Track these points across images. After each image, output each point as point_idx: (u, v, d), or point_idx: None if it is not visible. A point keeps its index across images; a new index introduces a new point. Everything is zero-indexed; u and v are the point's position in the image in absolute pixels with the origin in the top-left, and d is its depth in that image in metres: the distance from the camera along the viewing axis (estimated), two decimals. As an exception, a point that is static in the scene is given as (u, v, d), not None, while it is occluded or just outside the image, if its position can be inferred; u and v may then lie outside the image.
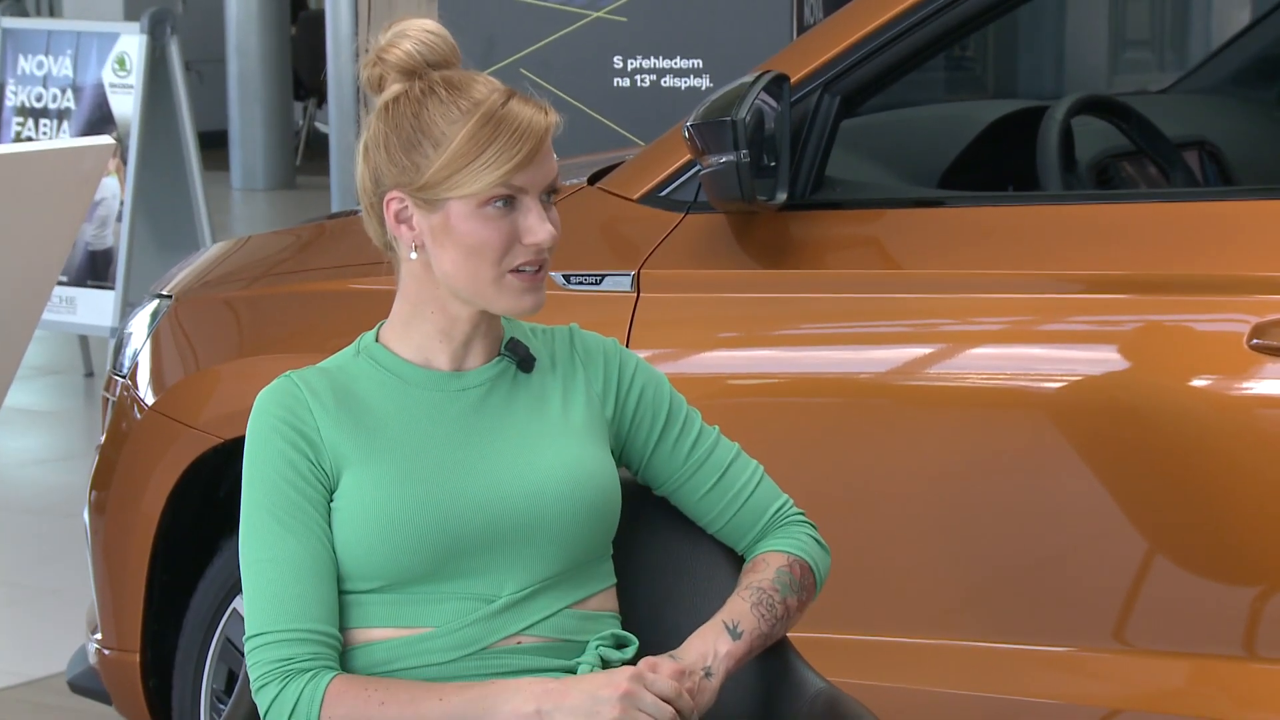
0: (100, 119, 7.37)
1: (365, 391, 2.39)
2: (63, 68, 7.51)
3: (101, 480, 3.73)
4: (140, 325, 3.77)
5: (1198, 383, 2.90)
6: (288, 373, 2.39)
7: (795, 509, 2.53)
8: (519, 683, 2.27)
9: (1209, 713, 2.92)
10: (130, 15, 11.02)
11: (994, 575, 3.05)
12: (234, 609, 3.53)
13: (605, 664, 2.37)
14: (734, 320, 3.19)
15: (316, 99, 14.91)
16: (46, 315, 4.82)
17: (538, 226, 2.33)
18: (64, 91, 7.51)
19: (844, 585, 2.79)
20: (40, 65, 7.57)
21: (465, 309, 2.38)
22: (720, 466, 2.50)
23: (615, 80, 5.38)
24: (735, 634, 2.39)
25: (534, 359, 2.44)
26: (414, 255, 2.37)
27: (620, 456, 2.49)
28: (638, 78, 5.37)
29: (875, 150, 3.57)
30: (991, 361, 3.02)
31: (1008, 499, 3.02)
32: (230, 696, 3.50)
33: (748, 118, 3.02)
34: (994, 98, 9.36)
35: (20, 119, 7.62)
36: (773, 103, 3.09)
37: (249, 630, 2.31)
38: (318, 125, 14.76)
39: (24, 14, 14.46)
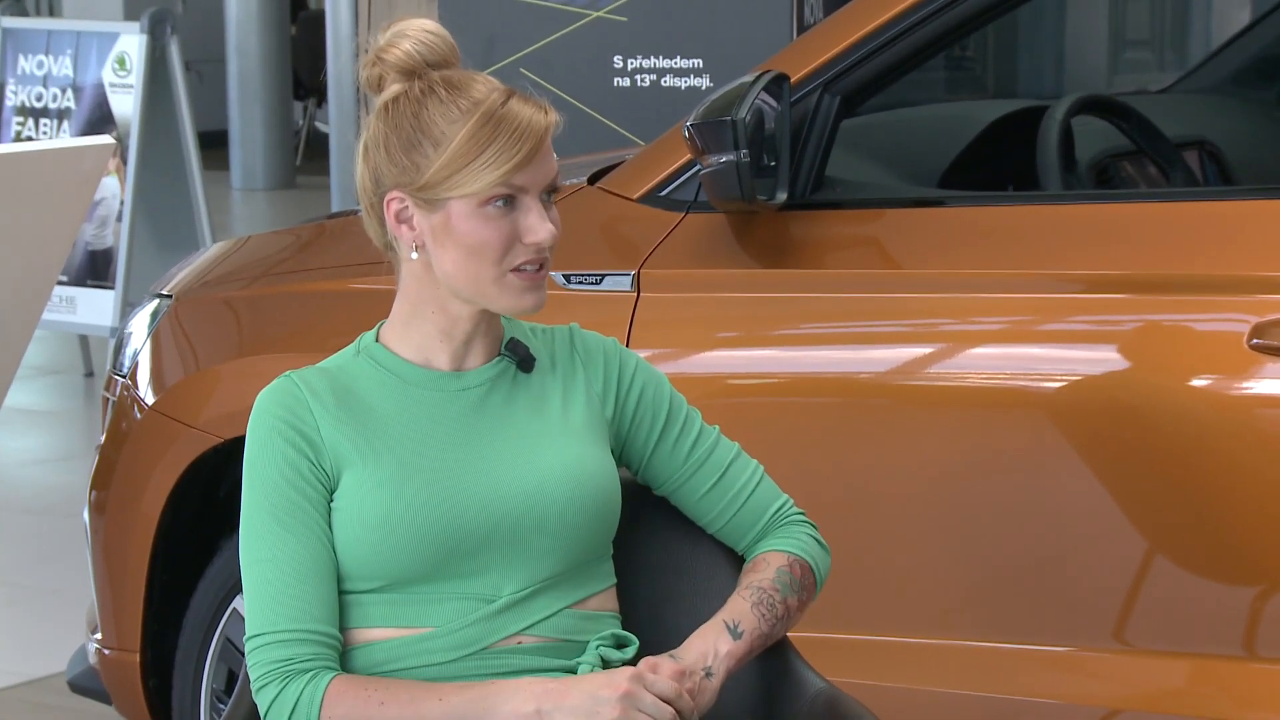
0: (100, 119, 7.37)
1: (365, 391, 2.39)
2: (63, 67, 7.51)
3: (101, 480, 3.73)
4: (140, 325, 3.77)
5: (1198, 383, 2.90)
6: (288, 373, 2.39)
7: (795, 509, 2.53)
8: (519, 683, 2.27)
9: (1209, 713, 2.92)
10: (130, 15, 11.03)
11: (994, 575, 3.05)
12: (234, 609, 3.53)
13: (605, 664, 2.37)
14: (734, 320, 3.19)
15: (316, 99, 14.91)
16: (46, 315, 4.82)
17: (538, 226, 2.33)
18: (64, 91, 7.51)
19: (844, 585, 2.79)
20: (40, 65, 7.57)
21: (466, 309, 2.38)
22: (720, 466, 2.50)
23: (615, 80, 5.38)
24: (736, 634, 2.39)
25: (534, 359, 2.44)
26: (414, 255, 2.37)
27: (620, 456, 2.49)
28: (638, 78, 5.37)
29: (875, 150, 3.57)
30: (991, 361, 3.02)
31: (1008, 499, 3.02)
32: (230, 696, 3.50)
33: (748, 117, 3.02)
34: (994, 98, 9.36)
35: (20, 119, 7.63)
36: (773, 102, 3.09)
37: (249, 630, 2.31)
38: (318, 125, 14.76)
39: (24, 14, 14.46)
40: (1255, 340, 2.85)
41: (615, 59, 5.38)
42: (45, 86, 7.56)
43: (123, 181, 7.26)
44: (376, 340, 2.44)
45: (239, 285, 3.70)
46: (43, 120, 7.56)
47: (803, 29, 5.19)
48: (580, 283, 3.25)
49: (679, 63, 5.33)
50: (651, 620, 2.51)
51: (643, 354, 2.64)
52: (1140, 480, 2.93)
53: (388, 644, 2.34)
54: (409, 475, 2.34)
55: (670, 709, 2.26)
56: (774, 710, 2.49)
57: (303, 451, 2.34)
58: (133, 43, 7.33)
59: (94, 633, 3.78)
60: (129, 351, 3.76)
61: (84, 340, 7.97)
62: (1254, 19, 5.19)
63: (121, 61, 7.34)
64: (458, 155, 2.30)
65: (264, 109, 13.71)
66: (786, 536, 2.50)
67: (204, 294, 3.71)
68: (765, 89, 3.08)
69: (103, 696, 3.84)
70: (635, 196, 3.29)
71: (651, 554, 2.55)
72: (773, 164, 3.10)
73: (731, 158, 3.02)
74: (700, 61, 5.31)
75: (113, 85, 7.37)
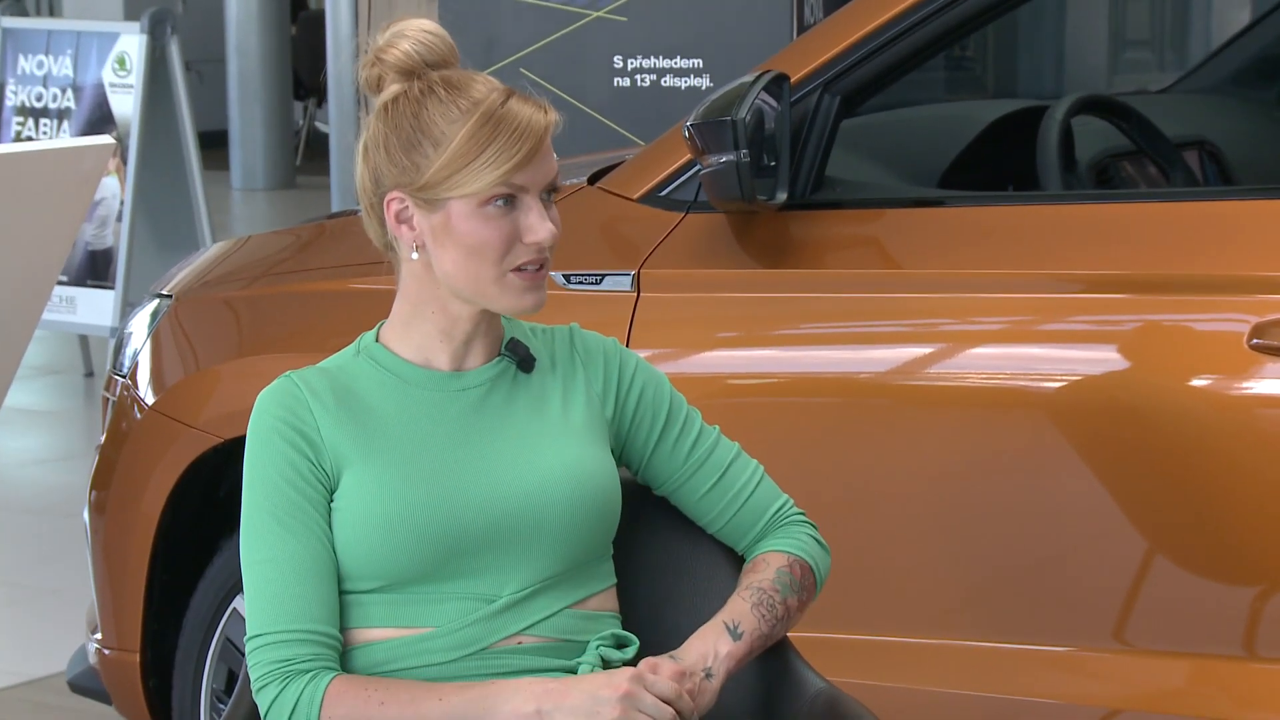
0: (100, 119, 7.37)
1: (365, 391, 2.39)
2: (63, 67, 7.51)
3: (101, 480, 3.73)
4: (140, 325, 3.77)
5: (1198, 383, 2.90)
6: (288, 373, 2.39)
7: (795, 509, 2.53)
8: (519, 683, 2.27)
9: (1209, 713, 2.92)
10: (130, 15, 11.03)
11: (994, 575, 3.05)
12: (234, 609, 3.53)
13: (606, 664, 2.37)
14: (734, 320, 3.19)
15: (316, 99, 14.91)
16: (46, 315, 4.81)
17: (538, 225, 2.33)
18: (64, 91, 7.51)
19: (844, 585, 2.79)
20: (40, 65, 7.57)
21: (466, 309, 2.38)
22: (720, 466, 2.50)
23: (615, 80, 5.38)
24: (736, 635, 2.39)
25: (534, 359, 2.44)
26: (415, 255, 2.36)
27: (620, 456, 2.49)
28: (638, 78, 5.37)
29: (875, 150, 3.57)
30: (991, 361, 3.02)
31: (1008, 499, 3.02)
32: (230, 696, 3.50)
33: (748, 117, 3.02)
34: (994, 98, 9.36)
35: (20, 119, 7.63)
36: (773, 102, 3.09)
37: (250, 630, 2.31)
38: (318, 125, 14.76)
39: (24, 14, 14.46)
40: (1255, 340, 2.85)
41: (615, 59, 5.38)
42: (45, 86, 7.56)
43: (123, 181, 7.26)
44: (376, 340, 2.44)
45: (239, 285, 3.70)
46: (43, 120, 7.56)
47: (803, 29, 5.19)
48: (580, 283, 3.25)
49: (679, 63, 5.33)
50: (651, 620, 2.51)
51: (643, 354, 2.64)
52: (1140, 480, 2.93)
53: (388, 644, 2.34)
54: (409, 475, 2.34)
55: (670, 709, 2.26)
56: (774, 710, 2.48)
57: (303, 452, 2.34)
58: (133, 43, 7.33)
59: (94, 633, 3.78)
60: (129, 351, 3.76)
61: (84, 340, 7.97)
62: (1254, 19, 5.19)
63: (121, 61, 7.34)
64: (458, 155, 2.30)
65: (264, 109, 13.71)
66: (786, 537, 2.50)
67: (204, 294, 3.71)
68: (765, 89, 3.08)
69: (103, 696, 3.84)
70: (635, 196, 3.29)
71: (651, 554, 2.55)
72: (773, 164, 3.10)
73: (731, 158, 3.02)
74: (700, 61, 5.31)
75: (113, 85, 7.37)
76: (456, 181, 2.31)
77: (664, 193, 3.27)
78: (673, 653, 2.36)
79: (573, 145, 3.31)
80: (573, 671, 2.35)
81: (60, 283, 7.20)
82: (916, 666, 3.07)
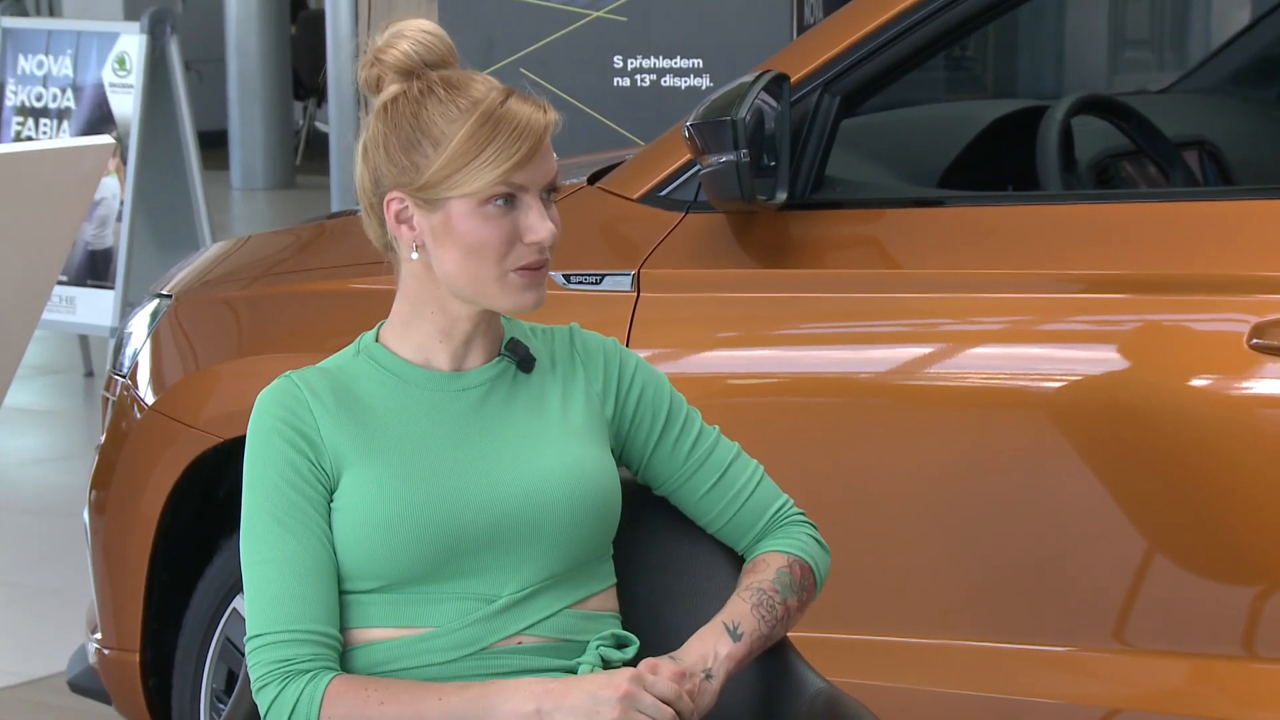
0: (100, 119, 7.37)
1: (365, 391, 2.39)
2: (63, 67, 7.50)
3: (101, 480, 3.73)
4: (140, 325, 3.77)
5: (1197, 383, 2.90)
6: (288, 373, 2.39)
7: (795, 509, 2.53)
8: (519, 683, 2.27)
9: (1209, 712, 2.92)
10: (130, 15, 11.03)
11: (994, 575, 3.05)
12: (234, 609, 3.53)
13: (606, 664, 2.37)
14: (734, 320, 3.19)
15: (316, 98, 14.91)
16: (46, 315, 4.82)
17: (538, 224, 2.33)
18: (64, 91, 7.51)
19: (844, 585, 2.79)
20: (40, 65, 7.57)
21: (466, 309, 2.38)
22: (720, 466, 2.50)
23: (615, 80, 5.38)
24: (736, 635, 2.39)
25: (534, 359, 2.44)
26: (415, 255, 2.36)
27: (620, 456, 2.49)
28: (638, 77, 5.37)
29: (875, 150, 3.57)
30: (991, 361, 3.02)
31: (1008, 499, 3.02)
32: (230, 696, 3.50)
33: (748, 117, 3.02)
34: (994, 98, 9.36)
35: (20, 119, 7.62)
36: (773, 102, 3.09)
37: (249, 631, 2.31)
38: (318, 125, 14.76)
39: (24, 14, 14.47)
40: (1255, 340, 2.85)
41: (615, 59, 5.38)
42: (45, 86, 7.56)
43: (123, 181, 7.26)
44: (376, 340, 2.44)
45: (239, 285, 3.70)
46: (43, 120, 7.56)
47: (803, 29, 5.19)
48: (580, 283, 3.25)
49: (679, 63, 5.33)
50: (651, 620, 2.51)
51: (643, 354, 2.64)
52: (1140, 480, 2.93)
53: (388, 644, 2.34)
54: (409, 475, 2.34)
55: (670, 710, 2.26)
56: (774, 710, 2.48)
57: (303, 452, 2.34)
58: (133, 42, 7.33)
59: (94, 632, 3.78)
60: (129, 351, 3.76)
61: (84, 340, 7.97)
62: (1254, 19, 5.19)
63: (121, 61, 7.34)
64: (457, 154, 2.30)
65: (264, 109, 13.71)
66: (786, 537, 2.50)
67: (204, 294, 3.71)
68: (765, 89, 3.08)
69: (102, 696, 3.84)
70: (635, 196, 3.29)
71: (651, 554, 2.55)
72: (772, 164, 3.10)
73: (731, 158, 3.02)
74: (700, 61, 5.30)
75: (113, 85, 7.37)
76: (456, 181, 2.31)
77: (664, 193, 3.27)
78: (673, 654, 2.36)
79: (573, 145, 3.31)
80: (573, 671, 2.35)
81: (60, 283, 7.20)
82: (916, 666, 3.07)
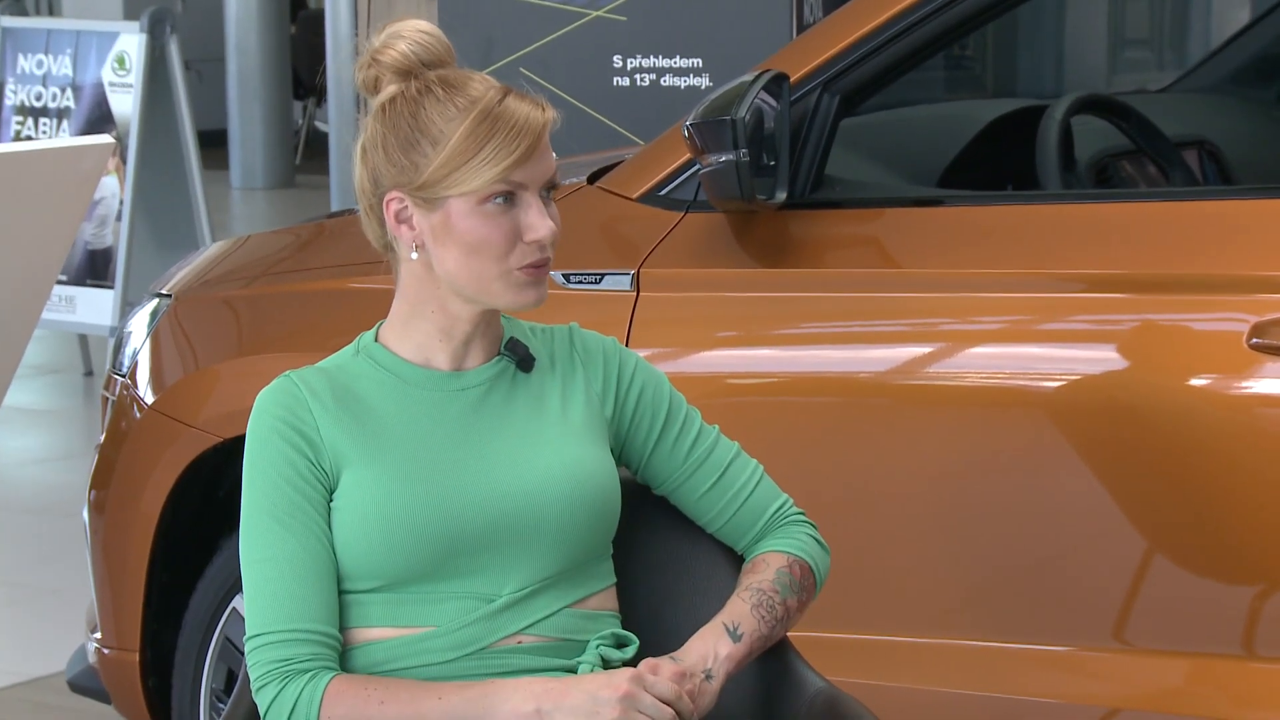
0: (100, 118, 7.37)
1: (365, 391, 2.39)
2: (62, 67, 7.50)
3: (101, 479, 3.73)
4: (140, 324, 3.77)
5: (1197, 382, 2.90)
6: (287, 372, 2.39)
7: (795, 508, 2.53)
8: (519, 682, 2.27)
9: (1209, 712, 2.92)
10: (130, 14, 11.02)
11: (994, 575, 3.05)
12: (234, 608, 3.53)
13: (606, 664, 2.37)
14: (734, 319, 3.19)
15: (316, 98, 14.91)
16: (46, 314, 4.82)
17: (538, 222, 2.33)
18: (63, 90, 7.50)
19: (844, 585, 2.79)
20: (40, 64, 7.57)
21: (466, 308, 2.38)
22: (720, 466, 2.50)
23: (615, 80, 5.38)
24: (735, 636, 2.38)
25: (533, 359, 2.44)
26: (414, 255, 2.36)
27: (620, 456, 2.49)
28: (637, 77, 5.37)
29: (875, 150, 3.57)
30: (991, 361, 3.02)
31: (1007, 499, 3.02)
32: (230, 696, 3.50)
33: (747, 117, 3.02)
34: (994, 97, 9.36)
35: (20, 118, 7.62)
36: (772, 102, 3.09)
37: (249, 630, 2.31)
38: (317, 124, 14.76)
39: (24, 13, 14.46)
40: (1255, 340, 2.85)
41: (615, 58, 5.38)
42: (45, 86, 7.55)
43: (122, 181, 7.25)
44: (376, 340, 2.43)
45: (239, 285, 3.70)
46: (42, 120, 7.56)
47: (803, 29, 5.19)
48: (580, 282, 3.24)
49: (679, 62, 5.33)
50: (651, 620, 2.51)
51: (642, 353, 2.64)
52: (1140, 480, 2.93)
53: (387, 644, 2.34)
54: (408, 475, 2.34)
55: (670, 710, 2.26)
56: (774, 710, 2.48)
57: (302, 451, 2.34)
58: (132, 42, 7.33)
59: (94, 632, 3.78)
60: (128, 351, 3.76)
61: (83, 340, 7.97)
62: (1254, 19, 5.19)
63: (121, 61, 7.34)
64: (456, 153, 2.30)
65: (264, 108, 13.71)
66: (786, 537, 2.49)
67: (204, 293, 3.71)
68: (765, 88, 3.08)
69: (102, 696, 3.84)
70: (635, 196, 3.29)
71: (651, 554, 2.55)
72: (772, 163, 3.09)
73: (731, 157, 3.02)
74: (700, 61, 5.30)
75: (112, 85, 7.36)
76: (455, 179, 2.31)
77: (663, 192, 3.27)
78: (673, 654, 2.36)
79: (572, 144, 3.31)
80: (572, 671, 2.35)
81: (60, 282, 7.20)
82: (916, 666, 3.07)
